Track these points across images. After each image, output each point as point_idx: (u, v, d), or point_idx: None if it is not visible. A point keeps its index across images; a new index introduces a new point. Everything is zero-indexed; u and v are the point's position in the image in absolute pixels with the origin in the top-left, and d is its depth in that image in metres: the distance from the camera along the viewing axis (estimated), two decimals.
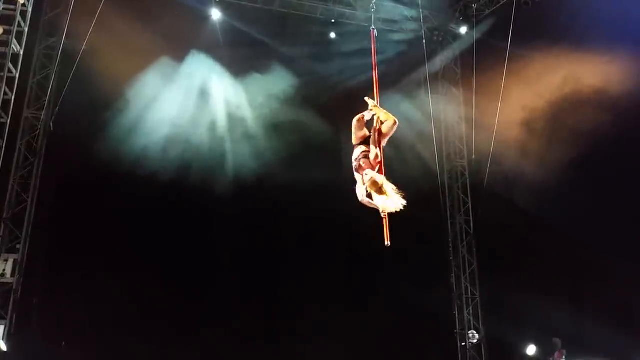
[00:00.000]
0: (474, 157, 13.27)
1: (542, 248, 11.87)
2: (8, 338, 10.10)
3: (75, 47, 10.96)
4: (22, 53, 9.89)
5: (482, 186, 12.64)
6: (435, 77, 13.69)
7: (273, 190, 12.47)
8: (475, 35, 12.86)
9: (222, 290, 11.95)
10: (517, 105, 12.17)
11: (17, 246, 10.83)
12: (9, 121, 9.74)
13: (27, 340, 10.27)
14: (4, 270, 10.44)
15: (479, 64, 12.49)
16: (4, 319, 10.28)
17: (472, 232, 13.53)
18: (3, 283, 10.45)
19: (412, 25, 13.28)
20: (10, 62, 9.71)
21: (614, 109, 11.13)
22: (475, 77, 12.64)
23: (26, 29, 10.04)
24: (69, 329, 10.43)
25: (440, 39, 14.04)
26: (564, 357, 11.75)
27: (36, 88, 11.68)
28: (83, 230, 11.26)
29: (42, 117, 11.47)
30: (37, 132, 11.47)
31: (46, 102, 11.48)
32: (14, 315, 10.44)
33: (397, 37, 13.24)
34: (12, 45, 9.66)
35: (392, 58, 12.95)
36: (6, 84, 9.79)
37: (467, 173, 13.88)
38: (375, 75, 6.05)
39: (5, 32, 9.43)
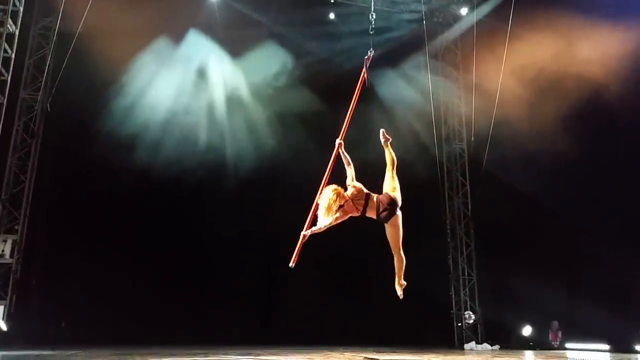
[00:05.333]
0: (473, 139, 13.23)
1: (539, 230, 11.92)
2: (8, 318, 10.17)
3: (71, 27, 10.83)
4: (17, 33, 9.78)
5: (481, 168, 12.64)
6: (435, 58, 13.59)
7: (270, 173, 12.48)
8: (476, 16, 12.73)
9: (220, 271, 12.02)
10: (517, 86, 12.09)
11: (16, 227, 10.88)
12: (5, 102, 9.67)
13: (27, 320, 10.33)
14: (2, 250, 10.49)
15: (479, 45, 12.37)
16: (4, 299, 10.37)
17: (469, 214, 13.57)
18: (2, 264, 10.52)
19: (413, 6, 13.13)
20: (6, 41, 9.61)
21: (616, 89, 11.05)
22: (475, 58, 12.53)
23: (21, 9, 9.92)
24: (68, 309, 10.49)
25: (441, 19, 13.92)
26: (559, 338, 11.92)
27: (32, 69, 11.60)
28: (81, 210, 11.28)
29: (39, 98, 11.41)
30: (35, 113, 11.43)
31: (43, 83, 11.41)
32: (14, 296, 10.50)
33: (397, 17, 13.11)
34: (7, 25, 9.55)
35: (393, 39, 12.84)
36: (2, 64, 9.71)
37: (465, 155, 13.86)
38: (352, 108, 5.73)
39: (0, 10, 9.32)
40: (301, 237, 5.13)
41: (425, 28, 12.53)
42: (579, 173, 11.16)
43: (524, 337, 12.26)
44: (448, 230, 13.58)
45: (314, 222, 5.13)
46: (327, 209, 5.02)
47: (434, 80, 12.75)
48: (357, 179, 5.38)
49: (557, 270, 11.66)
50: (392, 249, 5.29)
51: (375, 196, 5.21)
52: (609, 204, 10.74)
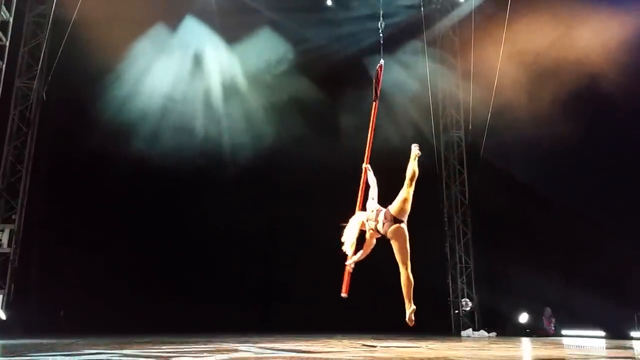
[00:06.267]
0: (470, 127, 13.18)
1: (536, 218, 11.94)
2: (6, 307, 10.19)
3: (66, 14, 10.74)
4: (11, 20, 9.67)
5: (478, 157, 12.62)
6: (433, 45, 13.51)
7: (268, 160, 12.45)
8: (474, 2, 12.62)
9: (219, 260, 12.04)
10: (516, 73, 12.02)
11: (13, 216, 10.86)
12: (0, 91, 9.58)
13: (26, 309, 10.35)
14: (0, 240, 10.48)
15: (477, 31, 12.28)
16: (2, 288, 10.38)
17: (467, 202, 13.58)
18: (0, 253, 10.51)
19: None
20: (0, 29, 9.51)
21: (614, 75, 10.99)
22: (473, 45, 12.43)
23: None
24: (66, 298, 10.51)
25: (439, 6, 13.81)
26: (553, 324, 12.00)
27: (27, 57, 11.51)
28: (78, 199, 11.25)
29: (34, 86, 11.32)
30: (30, 102, 11.35)
31: (38, 72, 11.32)
32: (12, 285, 10.52)
33: (395, 3, 12.98)
34: (1, 12, 9.44)
35: (390, 25, 12.72)
36: None
37: (463, 143, 13.83)
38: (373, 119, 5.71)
39: None
40: (346, 270, 5.35)
41: (423, 14, 12.43)
42: (576, 161, 11.15)
43: (521, 324, 12.34)
44: (445, 219, 13.60)
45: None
46: (348, 239, 5.27)
47: (432, 68, 12.66)
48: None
49: (553, 258, 11.71)
50: (399, 266, 4.96)
51: (383, 210, 5.16)
52: (606, 192, 10.75)
